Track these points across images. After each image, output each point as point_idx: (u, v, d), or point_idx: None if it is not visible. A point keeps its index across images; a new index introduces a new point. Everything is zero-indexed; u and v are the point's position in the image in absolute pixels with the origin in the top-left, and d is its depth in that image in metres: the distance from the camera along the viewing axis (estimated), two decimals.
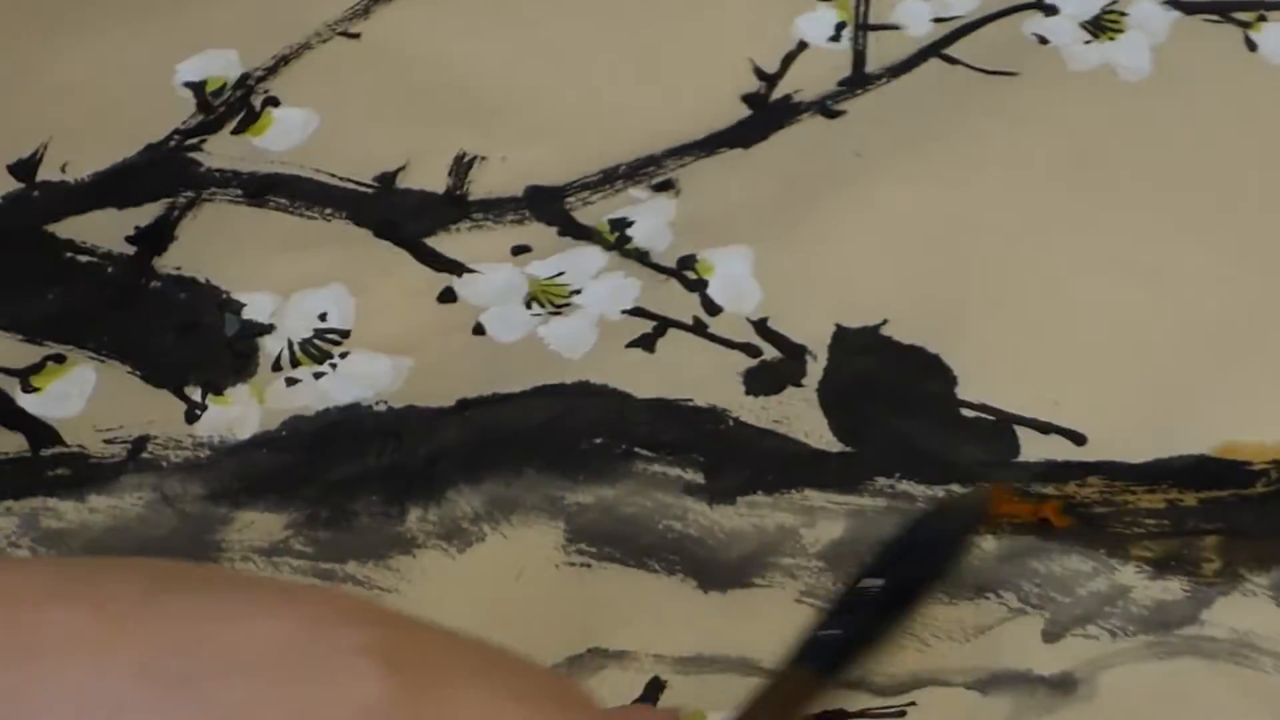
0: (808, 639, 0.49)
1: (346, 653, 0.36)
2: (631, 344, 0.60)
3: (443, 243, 0.63)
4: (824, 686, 0.48)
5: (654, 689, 0.52)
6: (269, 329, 0.61)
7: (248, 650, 0.36)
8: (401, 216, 0.64)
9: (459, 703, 0.37)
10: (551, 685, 0.40)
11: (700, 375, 0.59)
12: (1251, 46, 0.67)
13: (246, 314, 0.61)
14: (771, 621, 0.52)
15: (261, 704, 0.36)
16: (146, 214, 0.64)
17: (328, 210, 0.64)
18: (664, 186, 0.64)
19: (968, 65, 0.67)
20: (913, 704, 0.51)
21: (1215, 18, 0.67)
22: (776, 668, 0.48)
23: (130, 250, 0.63)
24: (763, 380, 0.59)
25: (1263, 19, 0.67)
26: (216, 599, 0.38)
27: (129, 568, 0.40)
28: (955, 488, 0.56)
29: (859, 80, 0.67)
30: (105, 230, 0.64)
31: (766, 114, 0.66)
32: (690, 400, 0.59)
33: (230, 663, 0.36)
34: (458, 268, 0.62)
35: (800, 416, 0.58)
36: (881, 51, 0.68)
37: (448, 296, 0.62)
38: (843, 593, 0.51)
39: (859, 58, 0.67)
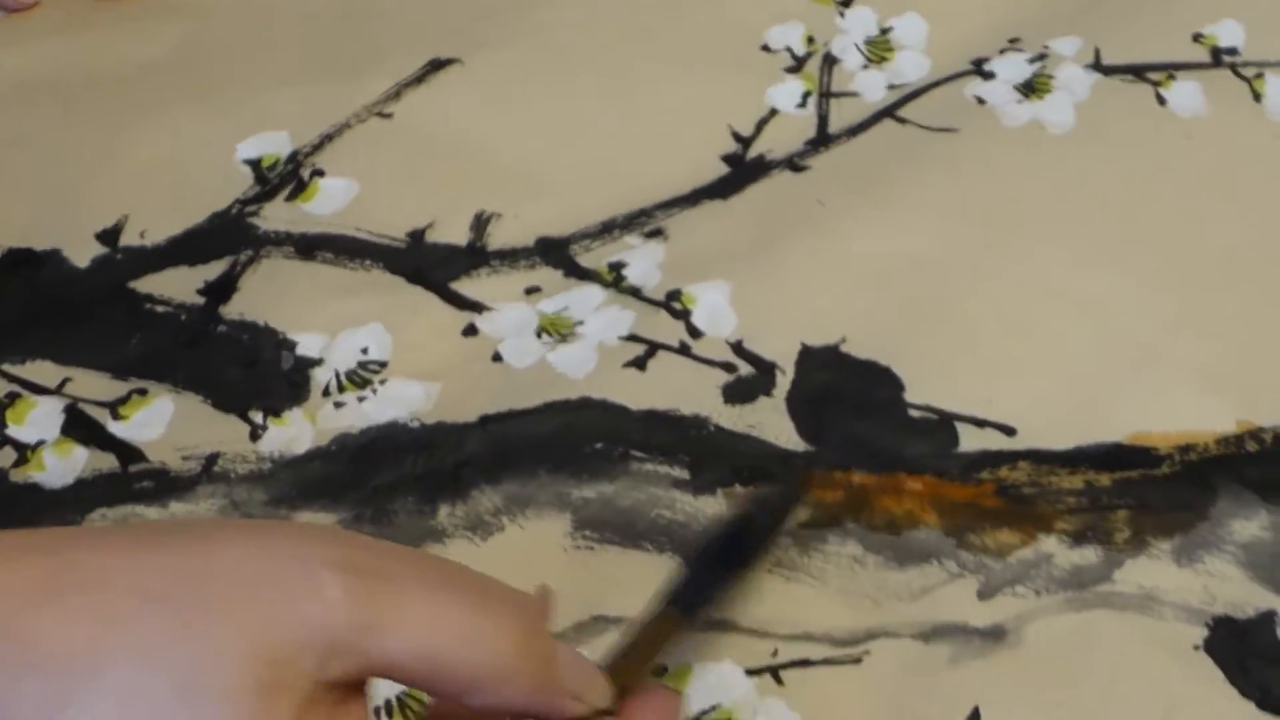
0: (673, 585, 0.52)
1: (311, 564, 0.38)
2: (627, 364, 0.64)
3: (465, 286, 0.67)
4: (687, 626, 0.52)
5: None
6: (319, 362, 0.64)
7: (223, 567, 0.38)
8: (430, 265, 0.67)
9: (412, 601, 0.38)
10: (504, 592, 0.41)
11: (685, 389, 0.63)
12: (1161, 101, 0.71)
13: (300, 351, 0.65)
14: (745, 590, 0.57)
15: (236, 608, 0.37)
16: (213, 270, 0.67)
17: (367, 262, 0.68)
18: (654, 234, 0.68)
19: (916, 124, 0.71)
20: (867, 653, 0.55)
21: (1130, 78, 0.72)
22: (646, 612, 0.51)
23: (200, 301, 0.66)
24: (738, 392, 0.63)
25: (1171, 78, 0.72)
26: (198, 534, 0.39)
27: (123, 525, 0.42)
28: (901, 475, 0.60)
29: (822, 140, 0.71)
30: (178, 285, 0.67)
31: (742, 171, 0.70)
32: (677, 410, 0.62)
33: (207, 578, 0.37)
34: (478, 307, 0.66)
35: (771, 422, 0.62)
36: (842, 115, 0.72)
37: (470, 331, 0.65)
38: (701, 547, 0.56)
39: (822, 121, 0.72)
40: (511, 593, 0.41)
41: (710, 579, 0.54)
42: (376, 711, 0.55)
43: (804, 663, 0.56)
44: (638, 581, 0.56)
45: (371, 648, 0.38)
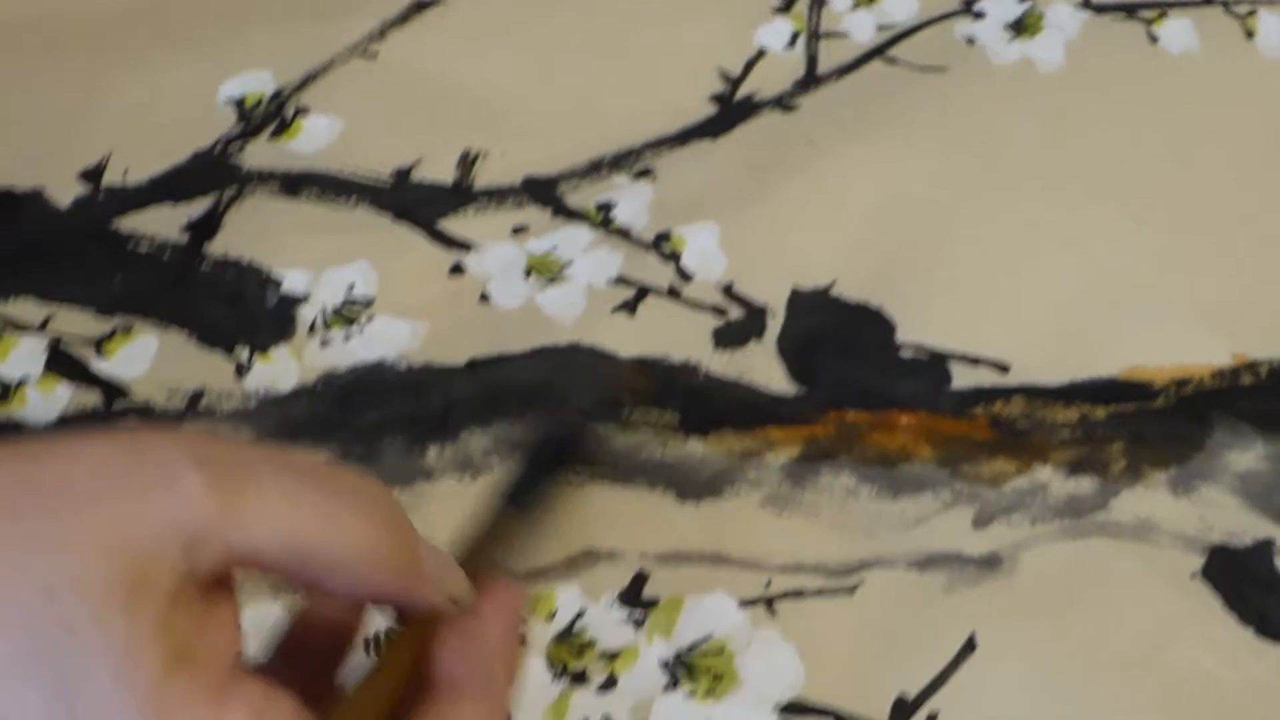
0: (507, 485, 0.51)
1: (168, 462, 0.37)
2: (616, 309, 0.64)
3: (452, 225, 0.67)
4: (520, 520, 0.50)
5: (639, 581, 0.56)
6: (304, 299, 0.64)
7: (77, 473, 0.37)
8: (415, 204, 0.67)
9: (270, 491, 0.38)
10: (363, 484, 0.41)
11: (675, 334, 0.63)
12: (1153, 39, 0.72)
13: (285, 288, 0.65)
14: (738, 523, 0.57)
15: (91, 510, 0.37)
16: (197, 208, 0.67)
17: (352, 199, 0.68)
18: (642, 174, 0.68)
19: (906, 64, 0.71)
20: (861, 583, 0.55)
21: (1121, 15, 0.72)
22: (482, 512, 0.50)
23: (184, 239, 0.67)
24: (729, 336, 0.63)
25: (1163, 15, 0.72)
26: (50, 448, 0.38)
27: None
28: (894, 411, 0.60)
29: (811, 80, 0.71)
30: (162, 223, 0.67)
31: (731, 111, 0.70)
32: (667, 357, 0.62)
33: (59, 486, 0.37)
34: (465, 245, 0.66)
35: (761, 366, 0.62)
36: (831, 55, 0.72)
37: (457, 270, 0.65)
38: (533, 447, 0.55)
39: (811, 61, 0.72)
40: (372, 485, 0.41)
41: (538, 475, 0.53)
42: (366, 644, 0.54)
43: (797, 593, 0.56)
44: (628, 516, 0.58)
45: (233, 537, 0.38)
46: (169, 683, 0.36)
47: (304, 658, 0.44)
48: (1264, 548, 0.57)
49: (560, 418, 0.59)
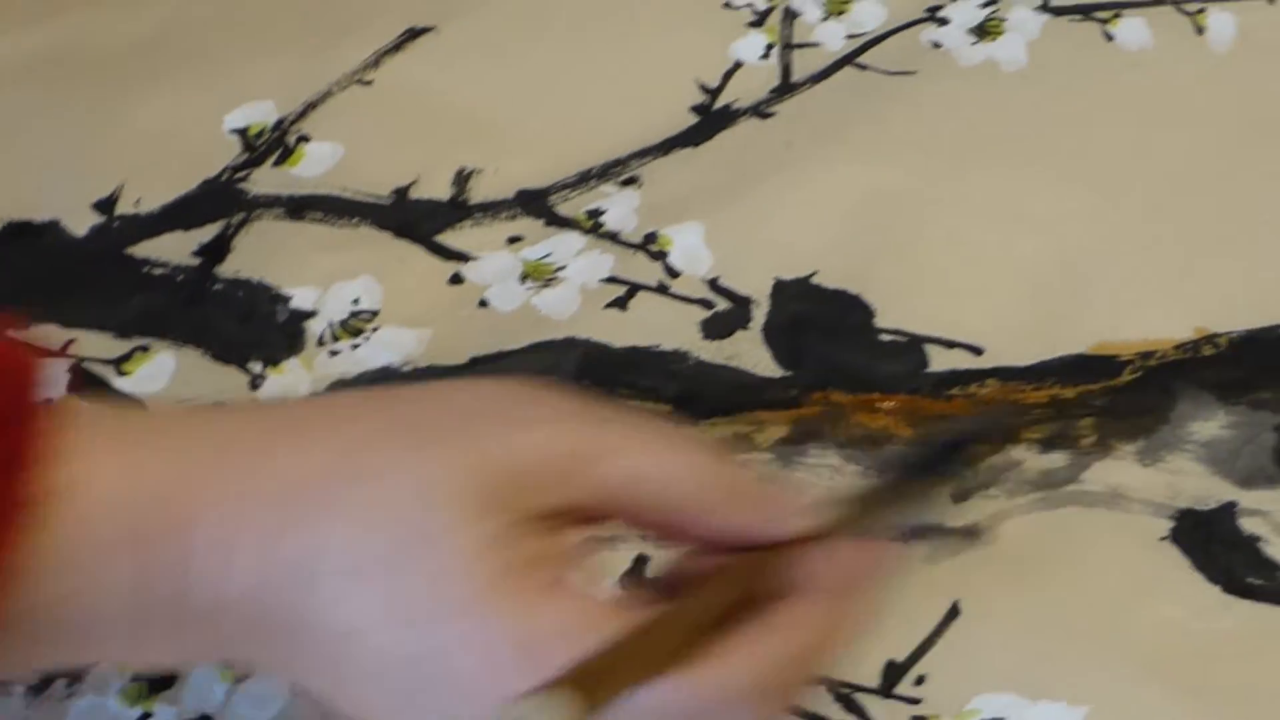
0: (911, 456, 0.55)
1: (533, 405, 0.44)
2: (608, 305, 0.66)
3: (450, 238, 0.68)
4: (920, 492, 0.52)
5: (639, 563, 0.57)
6: (313, 314, 0.66)
7: (457, 404, 0.44)
8: (415, 220, 0.69)
9: (618, 437, 0.43)
10: (682, 429, 0.48)
11: (665, 326, 0.65)
12: (1109, 38, 0.74)
13: (294, 304, 0.66)
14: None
15: (467, 435, 0.42)
16: (207, 233, 0.69)
17: (354, 219, 0.69)
18: (629, 182, 0.70)
19: (876, 69, 0.73)
20: None
21: (1079, 17, 0.74)
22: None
23: (195, 262, 0.68)
24: (716, 326, 0.65)
25: (1117, 16, 0.74)
26: (431, 387, 0.50)
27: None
28: (875, 395, 0.62)
29: (786, 88, 0.73)
30: (174, 248, 0.68)
31: (711, 119, 0.72)
32: (658, 346, 0.65)
33: (442, 413, 0.44)
34: (463, 257, 0.68)
35: (749, 353, 0.64)
36: (804, 64, 0.74)
37: (456, 279, 0.67)
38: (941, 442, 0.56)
39: (786, 70, 0.74)
40: (700, 434, 0.48)
41: (947, 456, 0.54)
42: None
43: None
44: None
45: (583, 477, 0.42)
46: (500, 583, 0.40)
47: None
48: (1228, 509, 0.59)
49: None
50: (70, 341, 0.67)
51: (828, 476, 0.61)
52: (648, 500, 0.43)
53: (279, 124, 0.74)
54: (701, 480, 0.43)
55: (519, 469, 0.41)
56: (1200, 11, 0.75)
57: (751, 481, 0.45)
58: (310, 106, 0.74)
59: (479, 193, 0.71)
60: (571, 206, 0.70)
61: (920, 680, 0.55)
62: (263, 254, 0.69)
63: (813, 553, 0.44)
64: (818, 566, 0.44)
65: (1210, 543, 0.58)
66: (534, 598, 0.41)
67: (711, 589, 0.44)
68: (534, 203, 0.70)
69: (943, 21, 0.76)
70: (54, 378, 0.45)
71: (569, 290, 0.67)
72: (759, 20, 0.77)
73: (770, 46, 0.75)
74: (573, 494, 0.42)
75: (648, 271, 0.68)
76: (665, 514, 0.43)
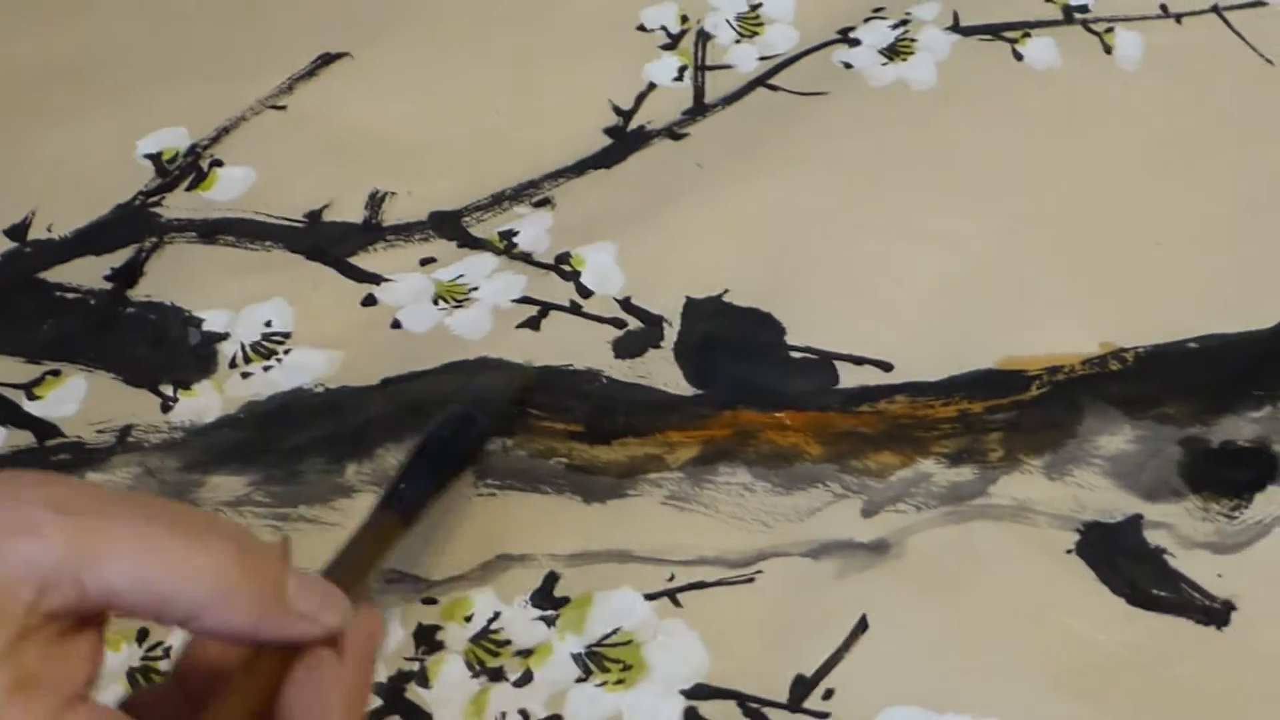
0: (389, 490, 0.55)
1: (24, 505, 0.39)
2: (521, 325, 0.66)
3: (363, 260, 0.69)
4: (404, 529, 0.54)
5: (550, 580, 0.58)
6: (225, 336, 0.67)
7: None
8: (328, 243, 0.70)
9: (123, 534, 0.40)
10: (219, 524, 0.42)
11: (577, 346, 0.65)
12: (1018, 57, 0.75)
13: (206, 327, 0.67)
14: (642, 522, 0.60)
15: None
16: (119, 258, 0.70)
17: (267, 243, 0.70)
18: (543, 203, 0.71)
19: (788, 90, 0.74)
20: (759, 572, 0.58)
21: (988, 37, 0.75)
22: (365, 519, 0.53)
23: (108, 286, 0.69)
24: (628, 345, 0.65)
25: (1027, 36, 0.75)
26: None
27: None
28: (786, 412, 0.63)
29: (699, 109, 0.74)
30: (86, 273, 0.69)
31: (624, 141, 0.73)
32: (570, 365, 0.65)
33: None
34: (376, 279, 0.68)
35: (660, 371, 0.64)
36: (717, 86, 0.75)
37: (369, 301, 0.68)
38: (415, 453, 0.57)
39: (699, 92, 0.75)
40: (228, 524, 0.43)
41: (424, 483, 0.56)
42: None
43: (700, 585, 0.58)
44: (538, 521, 0.60)
45: (88, 579, 0.39)
46: (9, 705, 0.38)
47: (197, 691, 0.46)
48: (1133, 522, 0.59)
49: (451, 419, 0.60)
50: None
51: (738, 495, 0.61)
52: (156, 600, 0.40)
53: (192, 149, 0.75)
54: (214, 582, 0.41)
55: (14, 580, 0.39)
56: (1109, 31, 0.76)
57: (272, 582, 0.42)
58: (224, 131, 0.75)
59: (392, 215, 0.72)
60: (485, 228, 0.71)
61: (829, 694, 0.55)
62: (175, 278, 0.69)
63: (309, 678, 0.44)
64: (311, 701, 0.43)
65: (1116, 555, 0.58)
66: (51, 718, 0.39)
67: (235, 699, 0.43)
68: (447, 224, 0.71)
69: (854, 42, 0.77)
70: None
71: (482, 311, 0.67)
72: (672, 43, 0.78)
73: (683, 69, 0.77)
74: (74, 599, 0.40)
75: (560, 291, 0.68)
76: (178, 613, 0.41)
